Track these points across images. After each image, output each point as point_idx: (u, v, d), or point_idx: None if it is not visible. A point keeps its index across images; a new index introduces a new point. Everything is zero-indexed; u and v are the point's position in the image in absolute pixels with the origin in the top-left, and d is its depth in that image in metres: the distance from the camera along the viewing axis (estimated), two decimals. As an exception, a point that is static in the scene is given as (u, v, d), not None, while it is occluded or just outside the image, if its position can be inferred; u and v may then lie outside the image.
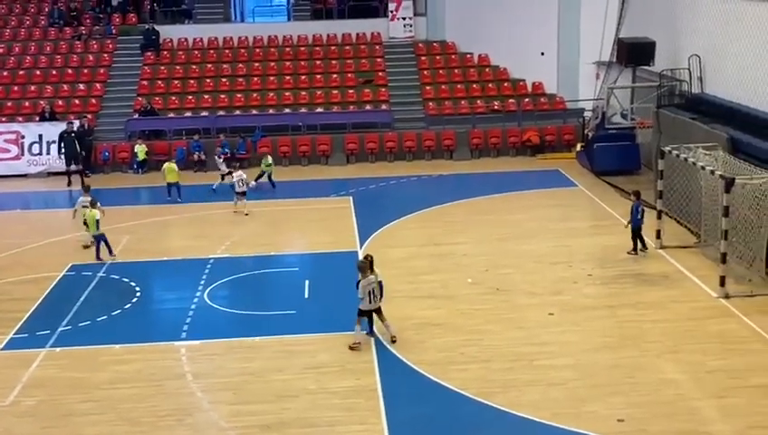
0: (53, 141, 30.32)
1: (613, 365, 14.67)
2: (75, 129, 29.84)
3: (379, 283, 15.69)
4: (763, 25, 21.40)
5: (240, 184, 24.48)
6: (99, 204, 21.23)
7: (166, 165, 26.36)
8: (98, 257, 20.75)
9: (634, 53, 27.59)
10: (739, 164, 18.43)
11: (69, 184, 28.81)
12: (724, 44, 23.56)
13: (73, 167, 29.11)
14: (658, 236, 20.48)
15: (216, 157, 28.19)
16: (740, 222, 17.90)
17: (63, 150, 29.41)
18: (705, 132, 21.00)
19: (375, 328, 16.01)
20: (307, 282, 19.05)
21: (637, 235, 20.09)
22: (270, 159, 27.58)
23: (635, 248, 20.07)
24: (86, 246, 21.49)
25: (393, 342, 15.66)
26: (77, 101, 32.98)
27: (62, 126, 30.22)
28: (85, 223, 21.10)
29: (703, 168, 18.75)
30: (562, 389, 13.89)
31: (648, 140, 26.25)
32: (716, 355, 14.90)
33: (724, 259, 17.48)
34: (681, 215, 21.44)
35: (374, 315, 15.86)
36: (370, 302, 15.52)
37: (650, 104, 26.00)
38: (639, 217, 20.02)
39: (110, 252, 20.88)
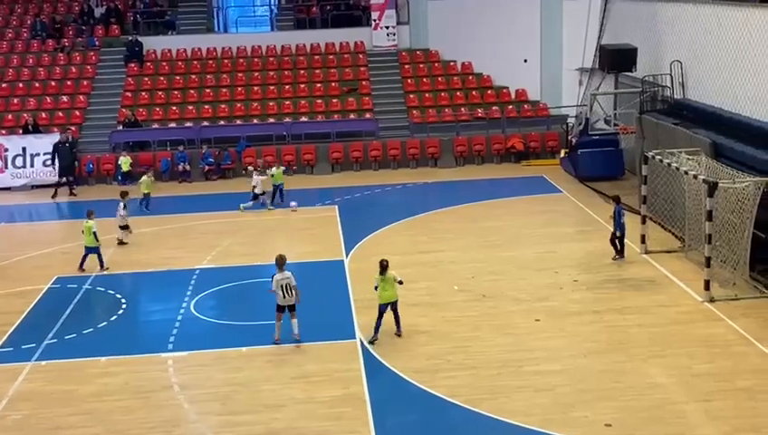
0: (37, 154, 30.21)
1: (600, 370, 14.73)
2: (70, 139, 29.78)
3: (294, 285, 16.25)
4: (743, 31, 21.62)
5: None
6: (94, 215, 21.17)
7: (144, 178, 26.55)
8: (81, 268, 20.65)
9: (616, 60, 27.83)
10: (722, 168, 18.56)
11: (54, 196, 28.68)
12: (706, 50, 23.77)
13: (63, 179, 29.00)
14: (643, 241, 20.60)
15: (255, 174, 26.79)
16: (723, 226, 18.03)
17: (58, 161, 29.28)
18: (687, 137, 21.16)
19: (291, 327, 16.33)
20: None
21: (621, 240, 20.21)
22: (273, 170, 26.67)
23: (619, 252, 20.17)
24: (121, 242, 22.68)
25: (297, 341, 16.20)
26: (60, 114, 32.87)
27: (46, 138, 30.19)
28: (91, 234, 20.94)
29: (686, 172, 18.88)
30: (550, 394, 13.93)
31: (631, 145, 26.41)
32: (702, 359, 14.99)
33: (709, 263, 17.60)
34: (665, 220, 21.58)
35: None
36: (284, 297, 16.13)
37: (633, 110, 26.21)
38: (623, 220, 20.14)
39: (101, 265, 20.81)
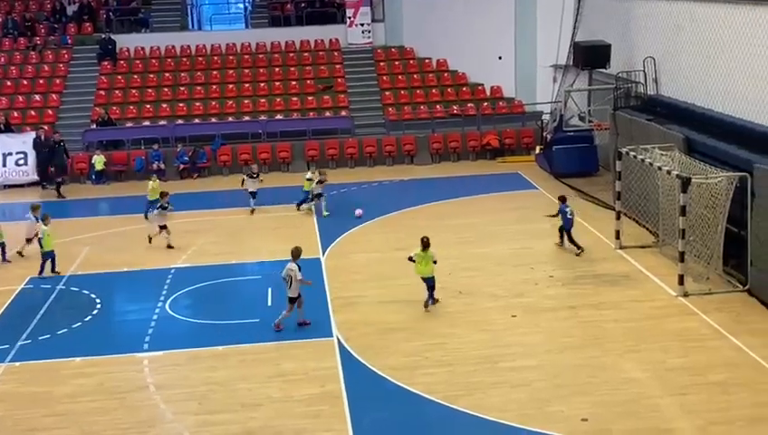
0: (9, 153, 29.93)
1: (576, 365, 14.81)
2: (61, 138, 29.60)
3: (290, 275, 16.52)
4: (715, 27, 21.81)
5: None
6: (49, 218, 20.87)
7: (151, 183, 25.01)
8: (40, 273, 20.35)
9: (590, 56, 27.99)
10: (695, 164, 18.73)
11: (60, 196, 28.19)
12: (678, 46, 23.96)
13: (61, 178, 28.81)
14: (618, 236, 20.74)
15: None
16: (697, 221, 18.18)
17: (55, 161, 29.05)
18: (661, 133, 21.32)
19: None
20: (270, 290, 18.96)
21: (569, 236, 20.54)
22: (309, 175, 25.29)
23: (562, 241, 20.65)
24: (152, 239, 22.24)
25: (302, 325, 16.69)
26: (33, 113, 32.54)
27: (19, 137, 30.13)
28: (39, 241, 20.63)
29: (660, 168, 19.03)
30: (526, 390, 13.99)
31: (605, 141, 26.58)
32: (677, 353, 15.12)
33: (683, 258, 17.75)
34: (639, 215, 21.73)
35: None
36: (288, 288, 16.56)
37: (607, 106, 26.35)
38: (570, 216, 20.49)
39: (53, 269, 20.40)
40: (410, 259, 17.41)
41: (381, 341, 16.10)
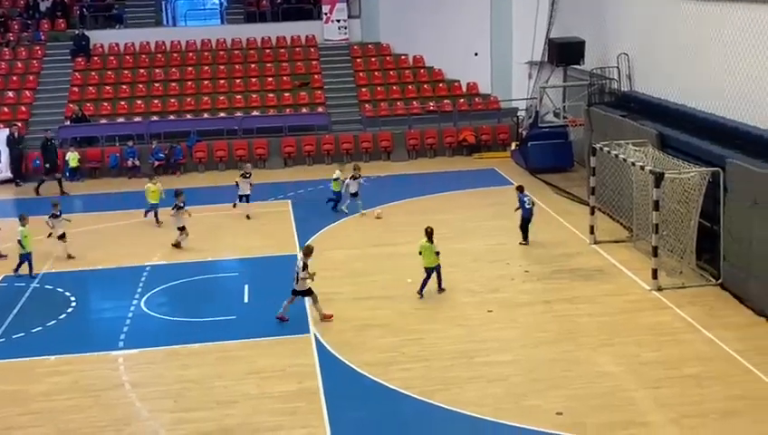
0: (-19, 151, 29.66)
1: (551, 359, 14.92)
2: (55, 136, 29.37)
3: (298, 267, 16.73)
4: (688, 24, 22.01)
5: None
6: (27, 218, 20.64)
7: (148, 185, 24.02)
8: (16, 271, 20.14)
9: (564, 53, 28.17)
10: (668, 159, 18.90)
11: (62, 192, 27.79)
12: (652, 43, 24.16)
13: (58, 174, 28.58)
14: (592, 231, 20.90)
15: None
16: (670, 216, 18.35)
17: (47, 158, 28.72)
18: (634, 129, 21.49)
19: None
20: (247, 286, 18.95)
21: (524, 225, 20.81)
22: (337, 174, 24.58)
23: (525, 238, 20.84)
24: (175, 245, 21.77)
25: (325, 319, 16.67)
26: (6, 109, 32.23)
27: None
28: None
29: (633, 163, 19.19)
30: (502, 384, 14.08)
31: (580, 137, 26.76)
32: (650, 347, 15.26)
33: (656, 253, 17.91)
34: (613, 210, 21.91)
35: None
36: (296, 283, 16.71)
37: (581, 102, 26.54)
38: (528, 206, 20.76)
39: (30, 272, 20.11)
40: (420, 253, 17.88)
41: (358, 337, 16.13)
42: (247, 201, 24.38)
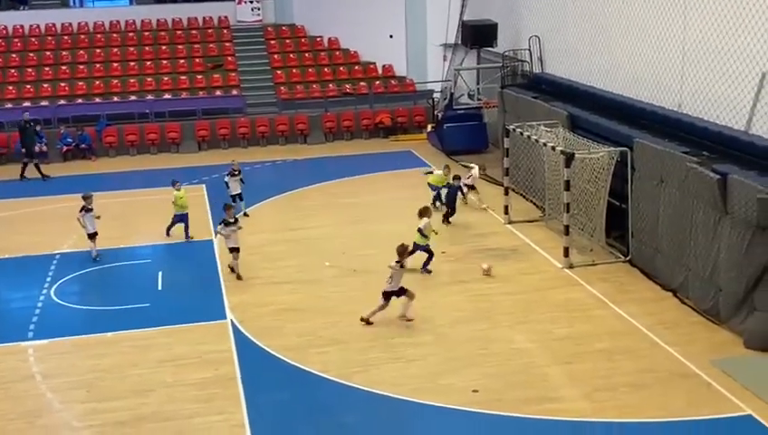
0: None
1: (467, 338, 15.12)
2: (31, 119, 28.00)
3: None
4: (595, 8, 22.46)
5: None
6: None
7: (176, 192, 20.84)
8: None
9: (478, 35, 28.43)
10: (578, 140, 19.30)
11: (45, 177, 26.83)
12: (561, 26, 24.59)
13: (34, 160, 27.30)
14: (506, 211, 21.22)
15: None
16: (581, 195, 18.77)
17: (26, 142, 27.35)
18: (546, 110, 21.87)
19: None
20: (160, 273, 18.62)
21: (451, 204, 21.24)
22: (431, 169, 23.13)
23: (446, 219, 21.22)
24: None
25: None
26: None
27: None
28: None
29: (545, 144, 19.53)
30: (420, 364, 14.20)
31: (494, 119, 27.09)
32: (563, 323, 15.61)
33: (567, 231, 18.31)
34: (527, 190, 22.29)
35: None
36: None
37: (495, 85, 26.84)
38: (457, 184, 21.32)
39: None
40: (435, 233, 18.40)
41: (275, 321, 16.04)
42: (241, 200, 22.11)
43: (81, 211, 19.37)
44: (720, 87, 17.13)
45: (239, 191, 22.25)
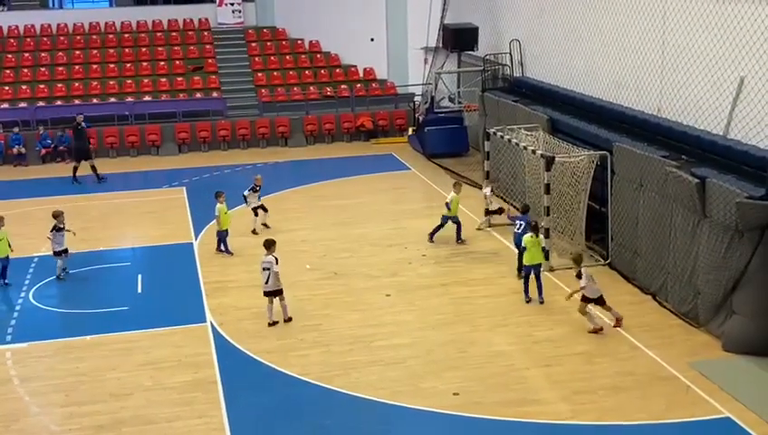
0: None
1: (448, 341, 15.14)
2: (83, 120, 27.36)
3: None
4: (574, 12, 22.57)
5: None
6: None
7: (220, 206, 19.86)
8: (219, 248, 19.71)
9: (458, 39, 28.49)
10: (558, 143, 19.39)
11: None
12: (542, 30, 24.69)
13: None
14: (487, 214, 21.25)
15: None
16: (561, 198, 18.85)
17: (78, 144, 26.96)
18: (526, 114, 21.96)
19: None
20: (140, 276, 18.53)
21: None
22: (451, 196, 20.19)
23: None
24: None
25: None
26: None
27: None
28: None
29: (525, 148, 19.61)
30: (400, 367, 14.21)
31: (474, 122, 27.16)
32: (543, 326, 15.67)
33: (548, 234, 18.37)
34: (507, 194, 22.36)
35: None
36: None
37: (476, 88, 26.91)
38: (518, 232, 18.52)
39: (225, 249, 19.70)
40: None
41: (255, 324, 15.99)
42: (265, 210, 21.57)
43: (51, 230, 18.51)
44: (699, 92, 17.26)
45: (259, 203, 21.55)
